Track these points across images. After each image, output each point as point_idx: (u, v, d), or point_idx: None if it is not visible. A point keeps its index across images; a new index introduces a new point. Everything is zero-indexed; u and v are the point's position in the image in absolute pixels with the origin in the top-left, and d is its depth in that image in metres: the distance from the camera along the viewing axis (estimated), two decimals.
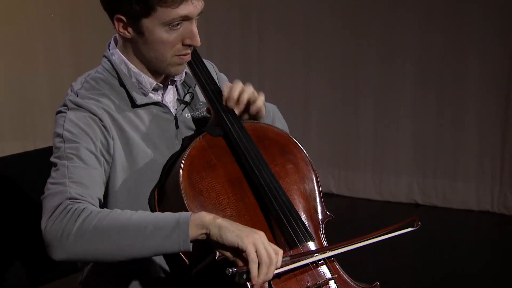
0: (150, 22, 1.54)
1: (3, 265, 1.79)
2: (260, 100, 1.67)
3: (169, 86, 1.70)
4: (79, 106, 1.55)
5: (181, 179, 1.50)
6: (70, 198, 1.42)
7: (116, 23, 1.57)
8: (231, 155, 1.59)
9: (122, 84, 1.62)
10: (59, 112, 1.58)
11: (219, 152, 1.59)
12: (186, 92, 1.72)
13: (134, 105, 1.62)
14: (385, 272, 3.40)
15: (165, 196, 1.56)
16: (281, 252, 1.40)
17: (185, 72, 1.71)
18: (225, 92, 1.65)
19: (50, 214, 1.40)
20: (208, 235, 1.37)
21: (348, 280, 1.59)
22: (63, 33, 5.28)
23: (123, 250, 1.38)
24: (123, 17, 1.55)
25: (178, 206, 1.48)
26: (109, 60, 1.64)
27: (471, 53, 4.22)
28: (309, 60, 4.68)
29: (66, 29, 5.26)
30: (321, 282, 1.52)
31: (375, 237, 1.56)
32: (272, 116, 1.83)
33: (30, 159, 1.96)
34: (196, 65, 1.70)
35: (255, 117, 1.70)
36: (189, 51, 1.60)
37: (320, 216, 1.64)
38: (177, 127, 1.67)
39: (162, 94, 1.68)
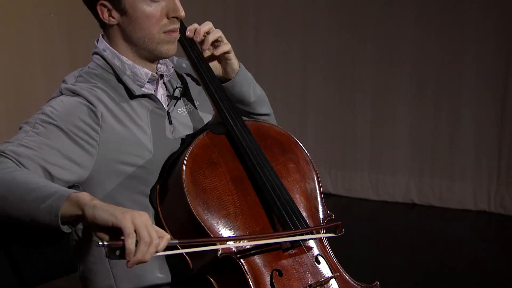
0: None
1: (1, 265, 1.78)
2: (227, 46, 1.69)
3: (159, 82, 1.69)
4: (74, 93, 1.56)
5: (183, 176, 1.49)
6: (3, 152, 1.41)
7: (99, 11, 1.58)
8: (234, 153, 1.59)
9: (118, 79, 1.62)
10: (52, 98, 1.59)
11: (222, 150, 1.59)
12: (175, 87, 1.71)
13: (130, 96, 1.61)
14: (384, 272, 3.40)
15: (167, 192, 1.56)
16: (167, 236, 1.28)
17: (172, 67, 1.70)
18: (190, 32, 1.67)
19: None
20: (82, 217, 1.28)
21: (349, 279, 1.60)
22: (59, 33, 5.27)
23: (1, 205, 1.34)
24: (105, 1, 1.56)
25: (180, 203, 1.48)
26: (101, 56, 1.63)
27: (468, 53, 4.23)
28: (306, 60, 4.68)
29: (62, 29, 5.25)
30: (323, 281, 1.53)
31: (295, 235, 1.51)
32: (253, 81, 1.86)
33: None
34: (200, 63, 1.69)
35: (225, 62, 1.71)
36: (176, 26, 1.60)
37: (321, 215, 1.65)
38: (170, 122, 1.66)
39: (154, 90, 1.68)
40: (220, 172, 1.55)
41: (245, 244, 1.47)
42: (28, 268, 1.83)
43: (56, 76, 5.24)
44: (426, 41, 4.33)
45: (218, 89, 1.67)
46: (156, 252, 1.26)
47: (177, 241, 1.34)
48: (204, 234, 1.45)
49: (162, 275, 1.62)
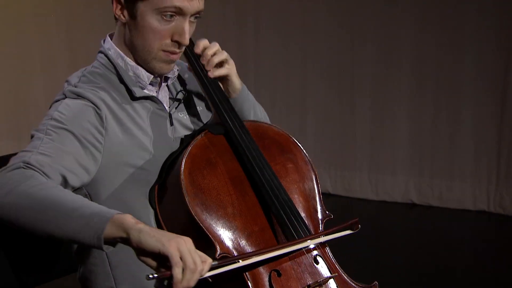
0: (144, 6, 1.54)
1: (1, 264, 1.78)
2: (232, 68, 1.72)
3: (162, 85, 1.69)
4: (77, 95, 1.55)
5: (182, 176, 1.49)
6: (26, 163, 1.39)
7: (114, 4, 1.59)
8: (232, 154, 1.59)
9: (120, 79, 1.62)
10: (56, 100, 1.57)
11: (220, 150, 1.59)
12: (178, 90, 1.72)
13: (132, 98, 1.61)
14: (383, 272, 3.40)
15: (165, 193, 1.56)
16: (209, 260, 1.31)
17: (177, 70, 1.71)
18: (197, 49, 1.68)
19: (1, 170, 1.39)
20: (127, 240, 1.28)
21: (347, 280, 1.60)
22: (58, 33, 5.27)
23: (40, 223, 1.32)
24: None
25: (179, 203, 1.48)
26: (106, 55, 1.64)
27: (467, 53, 4.23)
28: (305, 60, 4.68)
29: (61, 29, 5.25)
30: (321, 281, 1.53)
31: (315, 238, 1.53)
32: (253, 102, 1.84)
33: None
34: (197, 62, 1.70)
35: (226, 81, 1.72)
36: (177, 50, 1.60)
37: (319, 215, 1.65)
38: (171, 124, 1.66)
39: (156, 92, 1.68)
40: (219, 172, 1.55)
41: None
42: (28, 268, 1.83)
43: (55, 76, 5.25)
44: (425, 41, 4.33)
45: (217, 90, 1.67)
46: (200, 276, 1.29)
47: (216, 262, 1.36)
48: (203, 235, 1.45)
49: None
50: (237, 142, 1.59)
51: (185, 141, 1.62)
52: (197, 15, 1.62)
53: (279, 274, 1.49)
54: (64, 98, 1.56)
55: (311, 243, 1.53)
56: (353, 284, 1.60)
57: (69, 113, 1.51)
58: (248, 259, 1.43)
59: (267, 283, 1.47)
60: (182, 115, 1.71)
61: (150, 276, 1.24)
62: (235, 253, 1.47)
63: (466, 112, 4.30)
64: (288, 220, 1.53)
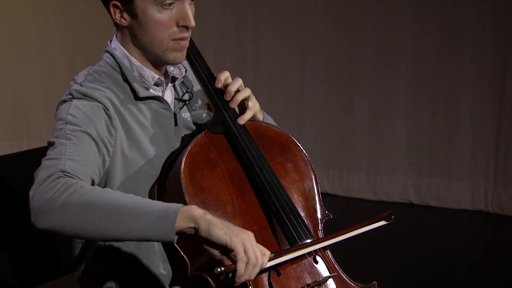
0: (142, 1, 1.54)
1: (1, 264, 1.78)
2: (255, 106, 1.66)
3: (168, 85, 1.70)
4: (84, 95, 1.55)
5: (182, 175, 1.50)
6: (63, 171, 1.39)
7: (112, 10, 1.58)
8: (232, 153, 1.59)
9: (124, 78, 1.62)
10: (64, 101, 1.56)
11: (220, 149, 1.59)
12: (185, 91, 1.72)
13: (136, 97, 1.61)
14: (382, 271, 3.40)
15: (165, 192, 1.56)
16: (268, 253, 1.38)
17: (185, 70, 1.71)
18: (218, 83, 1.65)
19: (41, 182, 1.37)
20: (196, 230, 1.33)
21: (347, 279, 1.61)
22: (57, 32, 5.26)
23: (107, 228, 1.33)
24: (117, 3, 1.56)
25: (179, 202, 1.47)
26: (111, 55, 1.64)
27: (465, 53, 4.23)
28: (304, 61, 4.68)
29: (60, 28, 5.25)
30: (320, 280, 1.53)
31: (351, 232, 1.54)
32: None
33: (24, 159, 1.95)
34: (197, 61, 1.70)
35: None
36: (185, 34, 1.59)
37: (319, 215, 1.66)
38: (176, 124, 1.67)
39: (162, 91, 1.68)
40: (219, 171, 1.55)
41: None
42: (27, 267, 1.83)
43: (54, 77, 5.25)
44: (423, 41, 4.34)
45: (217, 89, 1.67)
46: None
47: (273, 255, 1.41)
48: None
49: (162, 274, 1.62)
50: (237, 141, 1.60)
51: (185, 141, 1.62)
52: None
53: (278, 274, 1.49)
54: (71, 99, 1.55)
55: (350, 235, 1.54)
56: (352, 284, 1.60)
57: (82, 115, 1.51)
58: (301, 249, 1.48)
59: (266, 283, 1.47)
60: (186, 116, 1.71)
61: (218, 270, 1.32)
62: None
63: (464, 112, 4.31)
64: (288, 220, 1.53)
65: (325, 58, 4.61)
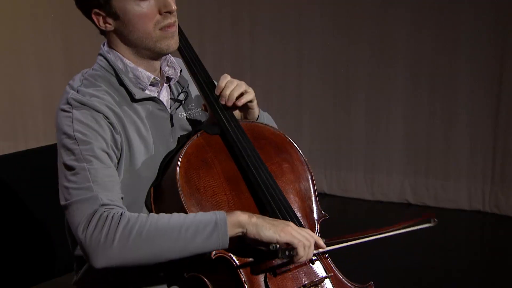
0: (118, 1, 1.54)
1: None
2: (250, 95, 1.67)
3: (164, 85, 1.70)
4: (83, 104, 1.54)
5: (178, 176, 1.50)
6: (103, 205, 1.44)
7: (95, 19, 1.59)
8: (228, 153, 1.60)
9: (120, 81, 1.62)
10: (63, 110, 1.56)
11: (216, 150, 1.59)
12: (180, 91, 1.72)
13: (132, 100, 1.61)
14: (379, 272, 3.40)
15: (161, 193, 1.57)
16: (311, 232, 1.49)
17: (180, 70, 1.70)
18: (218, 91, 1.66)
19: (87, 223, 1.42)
20: (245, 233, 1.44)
21: (343, 279, 1.61)
22: (54, 33, 5.26)
23: (166, 253, 1.42)
24: (97, 10, 1.57)
25: (175, 203, 1.49)
26: (105, 58, 1.64)
27: (462, 53, 4.24)
28: (301, 60, 4.68)
29: (57, 29, 5.24)
30: (317, 281, 1.53)
31: (390, 232, 1.60)
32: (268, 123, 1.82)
33: (21, 159, 1.95)
34: (193, 62, 1.70)
35: (246, 110, 1.71)
36: (170, 20, 1.58)
37: (315, 215, 1.66)
38: (172, 125, 1.67)
39: (158, 92, 1.68)
40: (215, 172, 1.55)
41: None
42: (25, 267, 1.83)
43: (51, 77, 5.24)
44: (420, 41, 4.34)
45: (213, 89, 1.67)
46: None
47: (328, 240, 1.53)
48: None
49: (158, 275, 1.62)
50: (233, 142, 1.60)
51: (181, 141, 1.63)
52: None
53: (274, 274, 1.49)
54: (70, 109, 1.54)
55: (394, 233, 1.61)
56: (348, 284, 1.60)
57: (88, 129, 1.52)
58: (357, 239, 1.56)
59: (262, 283, 1.48)
60: (182, 116, 1.71)
61: (274, 246, 1.43)
62: (231, 253, 1.47)
63: (461, 112, 4.31)
64: (283, 219, 1.52)
65: (322, 58, 4.61)
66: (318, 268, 1.56)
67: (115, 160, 1.55)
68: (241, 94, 1.66)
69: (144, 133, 1.61)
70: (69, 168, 1.50)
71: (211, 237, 1.41)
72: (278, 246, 1.43)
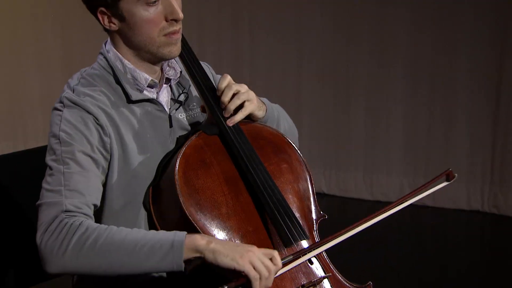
0: (126, 3, 1.54)
1: None
2: (250, 107, 1.65)
3: (164, 86, 1.70)
4: (75, 104, 1.55)
5: (176, 177, 1.50)
6: (66, 211, 1.43)
7: (100, 18, 1.59)
8: (226, 154, 1.59)
9: (117, 81, 1.62)
10: (56, 109, 1.57)
11: (214, 150, 1.59)
12: (181, 92, 1.72)
13: (129, 101, 1.61)
14: (378, 272, 3.41)
15: (160, 194, 1.57)
16: (275, 254, 1.42)
17: (180, 71, 1.71)
18: (218, 93, 1.65)
19: (46, 228, 1.42)
20: (202, 259, 1.39)
21: (342, 280, 1.61)
22: (53, 33, 5.26)
23: (118, 268, 1.40)
24: (103, 9, 1.56)
25: (173, 203, 1.49)
26: (105, 57, 1.64)
27: (462, 53, 4.24)
28: (300, 60, 4.68)
29: (56, 29, 5.24)
30: (315, 281, 1.53)
31: (409, 199, 1.57)
32: (277, 117, 1.82)
33: (21, 159, 1.95)
34: (191, 63, 1.70)
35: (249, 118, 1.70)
36: (176, 27, 1.59)
37: (314, 215, 1.65)
38: (171, 125, 1.67)
39: (157, 93, 1.68)
40: (213, 172, 1.55)
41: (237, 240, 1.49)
42: (23, 268, 1.83)
43: (50, 77, 5.24)
44: (420, 41, 4.34)
45: (211, 89, 1.67)
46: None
47: (291, 256, 1.45)
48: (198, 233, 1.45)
49: (158, 275, 1.62)
50: (231, 142, 1.60)
51: (179, 142, 1.62)
52: None
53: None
54: (62, 109, 1.55)
55: (405, 204, 1.56)
56: (347, 284, 1.60)
57: (73, 130, 1.52)
58: (315, 249, 1.49)
59: None
60: (182, 117, 1.71)
61: (226, 286, 1.36)
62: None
63: (461, 112, 4.31)
64: (282, 220, 1.53)
65: (322, 58, 4.62)
66: (317, 268, 1.56)
67: (103, 163, 1.54)
68: (241, 105, 1.65)
69: (140, 133, 1.60)
70: (49, 168, 1.50)
71: (165, 259, 1.38)
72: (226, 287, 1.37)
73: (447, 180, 1.59)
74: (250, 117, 1.70)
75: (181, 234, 1.40)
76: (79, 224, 1.40)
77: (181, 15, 1.58)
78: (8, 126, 5.47)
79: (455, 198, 4.38)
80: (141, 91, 1.64)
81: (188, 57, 1.70)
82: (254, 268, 1.37)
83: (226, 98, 1.63)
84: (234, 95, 1.64)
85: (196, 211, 1.48)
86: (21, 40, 5.35)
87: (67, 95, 1.56)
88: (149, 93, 1.66)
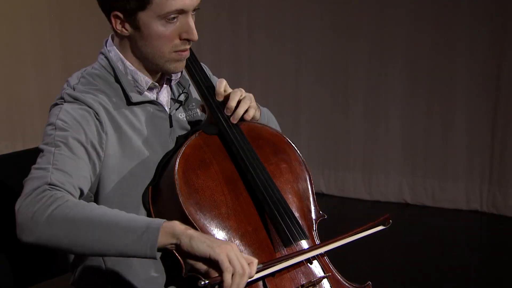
0: (145, 15, 1.53)
1: None
2: (252, 111, 1.66)
3: (164, 86, 1.70)
4: (76, 99, 1.55)
5: (176, 176, 1.50)
6: (50, 184, 1.40)
7: (113, 20, 1.57)
8: (226, 154, 1.59)
9: (118, 81, 1.62)
10: (55, 104, 1.57)
11: (214, 150, 1.59)
12: (181, 92, 1.72)
13: (129, 102, 1.61)
14: (377, 272, 3.41)
15: (159, 194, 1.56)
16: (255, 261, 1.37)
17: (181, 71, 1.71)
18: (218, 96, 1.64)
19: (26, 196, 1.38)
20: (178, 245, 1.33)
21: (341, 279, 1.61)
22: (51, 32, 5.26)
23: (90, 245, 1.35)
24: (119, 14, 1.55)
25: (173, 203, 1.49)
26: (106, 57, 1.64)
27: (460, 52, 4.24)
28: (299, 61, 4.69)
29: (55, 28, 5.24)
30: (315, 281, 1.53)
31: (346, 238, 1.55)
32: (267, 120, 1.83)
33: (19, 159, 1.94)
34: (191, 62, 1.70)
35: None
36: (187, 46, 1.59)
37: (313, 215, 1.65)
38: (171, 125, 1.67)
39: (156, 93, 1.68)
40: (213, 172, 1.55)
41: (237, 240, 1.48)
42: (22, 268, 1.82)
43: (48, 77, 5.24)
44: (418, 41, 4.34)
45: (210, 89, 1.67)
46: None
47: (261, 265, 1.41)
48: None
49: (157, 275, 1.63)
50: (231, 142, 1.60)
51: (178, 142, 1.62)
52: (197, 8, 1.61)
53: (272, 274, 1.49)
54: (62, 103, 1.56)
55: (345, 242, 1.54)
56: (346, 284, 1.60)
57: (71, 119, 1.51)
58: (290, 259, 1.47)
59: (260, 283, 1.47)
60: (182, 116, 1.71)
61: (202, 283, 1.31)
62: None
63: (459, 112, 4.32)
64: (282, 220, 1.53)
65: (320, 59, 4.62)
66: (316, 268, 1.56)
67: (94, 158, 1.52)
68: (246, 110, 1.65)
69: (140, 132, 1.60)
70: (40, 151, 1.49)
71: (138, 241, 1.32)
72: (207, 282, 1.31)
73: (383, 225, 1.61)
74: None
75: (160, 220, 1.35)
76: (60, 196, 1.37)
77: (196, 36, 1.58)
78: (6, 126, 5.46)
79: (453, 198, 4.39)
80: (141, 93, 1.63)
81: (189, 57, 1.70)
82: (229, 261, 1.31)
83: (233, 103, 1.62)
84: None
85: (195, 210, 1.48)
86: (19, 40, 5.35)
87: (68, 92, 1.57)
88: (149, 95, 1.66)
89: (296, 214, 1.59)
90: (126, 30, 1.57)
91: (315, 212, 1.65)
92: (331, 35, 4.56)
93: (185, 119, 1.72)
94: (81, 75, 1.63)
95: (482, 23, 4.16)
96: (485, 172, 4.30)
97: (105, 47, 1.65)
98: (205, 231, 1.47)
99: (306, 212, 1.64)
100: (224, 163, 1.58)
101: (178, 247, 1.33)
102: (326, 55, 4.60)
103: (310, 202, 1.66)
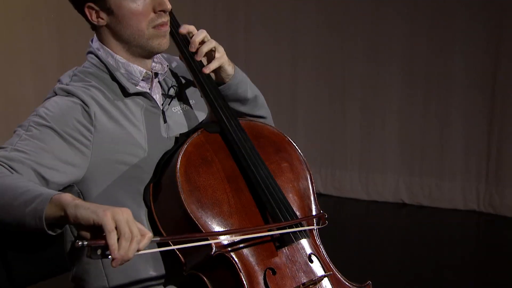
0: None
1: None
2: (219, 60, 1.66)
3: (154, 81, 1.69)
4: (68, 93, 1.56)
5: (178, 174, 1.50)
6: None
7: (88, 13, 1.59)
8: (228, 152, 1.60)
9: (112, 77, 1.62)
10: (47, 98, 1.59)
11: (216, 148, 1.59)
12: (170, 86, 1.72)
13: (125, 94, 1.61)
14: (375, 271, 3.41)
15: (160, 191, 1.56)
16: (149, 234, 1.27)
17: (167, 65, 1.71)
18: (185, 28, 1.66)
19: None
20: (65, 217, 1.27)
21: (341, 278, 1.61)
22: (49, 35, 5.26)
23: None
24: (92, 4, 1.57)
25: (174, 200, 1.48)
26: (96, 55, 1.64)
27: (457, 52, 4.26)
28: (296, 60, 4.69)
29: (52, 31, 5.24)
30: (316, 279, 1.54)
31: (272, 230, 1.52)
32: (249, 83, 1.83)
33: None
34: (194, 61, 1.70)
35: (219, 73, 1.70)
36: (164, 19, 1.60)
37: (314, 214, 1.65)
38: (165, 121, 1.66)
39: (150, 89, 1.68)
40: (214, 170, 1.55)
41: (236, 238, 1.47)
42: (19, 268, 1.82)
43: (45, 77, 5.23)
44: (415, 40, 4.36)
45: (213, 88, 1.67)
46: (139, 250, 1.25)
47: (162, 238, 1.37)
48: (198, 232, 1.45)
49: (156, 273, 1.62)
50: (232, 140, 1.60)
51: (180, 139, 1.62)
52: None
53: (274, 272, 1.49)
54: (52, 96, 1.57)
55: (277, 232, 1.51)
56: (347, 283, 1.61)
57: (55, 109, 1.53)
58: (215, 238, 1.44)
59: (262, 281, 1.48)
60: (176, 110, 1.71)
61: (79, 243, 1.20)
62: (231, 251, 1.47)
63: (456, 111, 4.33)
64: (283, 218, 1.53)
65: (317, 57, 4.63)
66: (317, 266, 1.56)
67: (77, 146, 1.51)
68: (210, 50, 1.66)
69: (138, 128, 1.60)
70: (13, 132, 1.51)
71: (27, 207, 1.29)
72: (84, 243, 1.20)
73: (318, 224, 1.61)
74: (220, 73, 1.69)
75: (53, 191, 1.32)
76: None
77: (169, 5, 1.59)
78: (4, 127, 5.45)
79: (450, 197, 4.40)
80: (136, 85, 1.64)
81: (187, 51, 1.68)
82: (116, 224, 1.22)
83: (197, 38, 1.64)
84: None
85: (197, 208, 1.48)
86: (16, 42, 5.34)
87: (60, 86, 1.58)
88: (143, 88, 1.66)
89: (297, 213, 1.60)
90: (102, 18, 1.58)
91: (315, 211, 1.66)
92: (328, 34, 4.57)
93: (179, 112, 1.71)
94: (73, 73, 1.63)
95: (478, 22, 4.17)
96: (482, 171, 4.31)
97: (92, 46, 1.66)
98: (206, 229, 1.47)
99: (307, 211, 1.65)
100: (226, 161, 1.58)
101: (65, 219, 1.27)
102: (323, 54, 4.60)
103: (311, 201, 1.66)
